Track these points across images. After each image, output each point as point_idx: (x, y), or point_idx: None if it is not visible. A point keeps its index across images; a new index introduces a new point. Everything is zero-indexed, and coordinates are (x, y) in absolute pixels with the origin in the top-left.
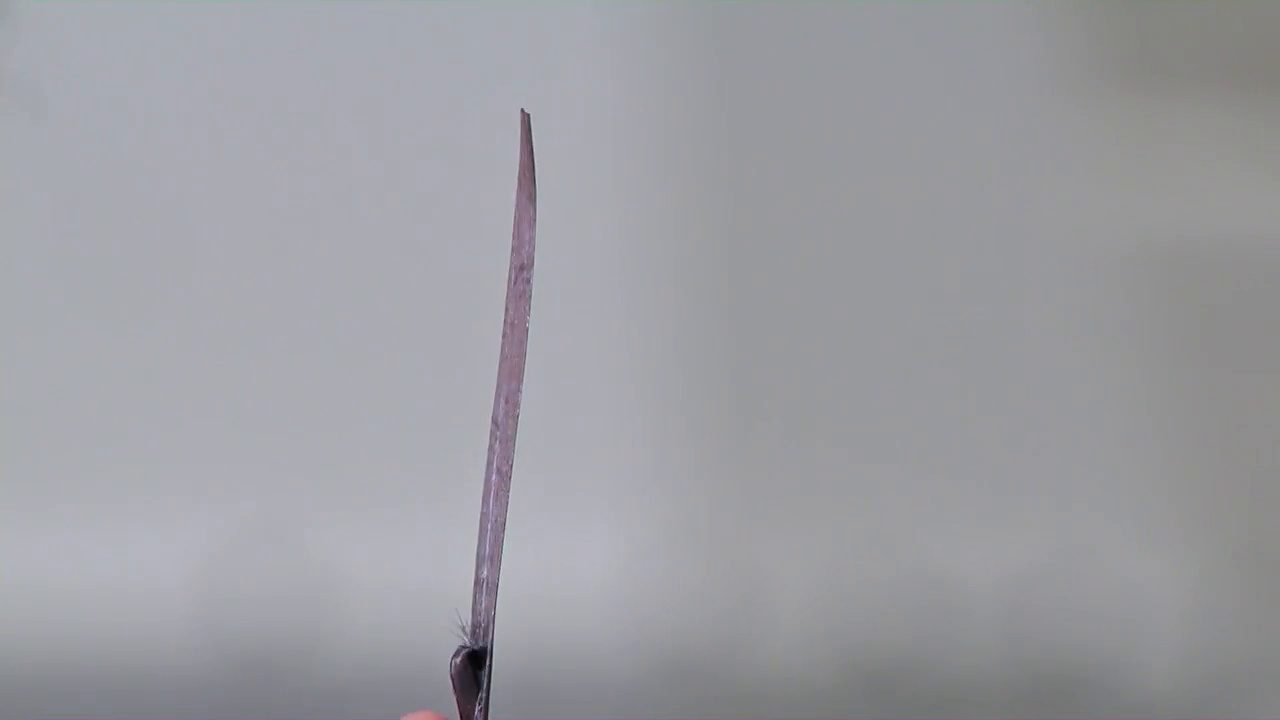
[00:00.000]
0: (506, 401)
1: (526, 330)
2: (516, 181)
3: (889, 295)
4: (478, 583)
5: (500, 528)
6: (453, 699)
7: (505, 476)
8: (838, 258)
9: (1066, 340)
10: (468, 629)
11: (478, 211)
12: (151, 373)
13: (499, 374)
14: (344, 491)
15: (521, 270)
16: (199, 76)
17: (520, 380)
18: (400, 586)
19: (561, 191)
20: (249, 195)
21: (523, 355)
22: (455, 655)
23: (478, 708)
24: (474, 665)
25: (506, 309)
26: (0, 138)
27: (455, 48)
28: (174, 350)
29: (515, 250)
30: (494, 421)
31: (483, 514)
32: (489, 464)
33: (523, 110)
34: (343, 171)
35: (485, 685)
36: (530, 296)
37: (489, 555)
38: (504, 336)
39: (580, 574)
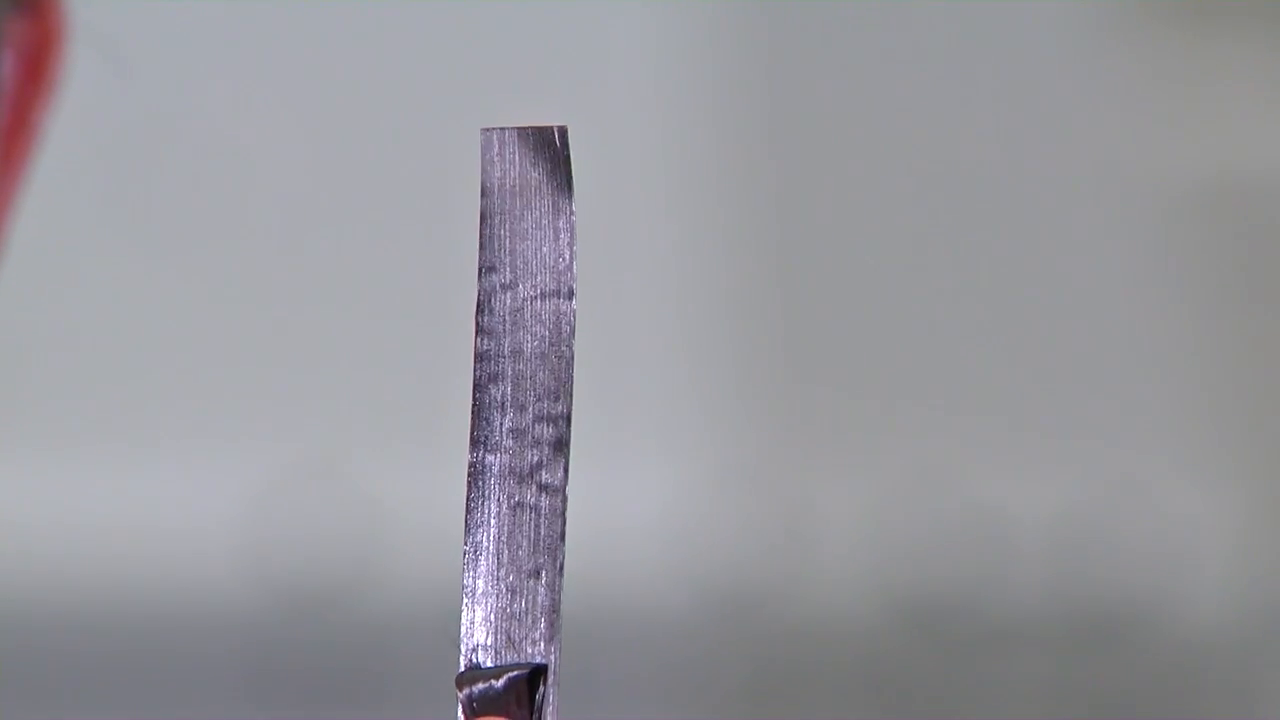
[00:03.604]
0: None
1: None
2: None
3: (937, 236)
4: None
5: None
6: None
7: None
8: (886, 200)
9: (1114, 278)
10: (474, 641)
11: None
12: (200, 311)
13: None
14: (392, 429)
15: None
16: (255, 24)
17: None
18: (449, 524)
19: (611, 133)
20: (303, 138)
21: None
22: (492, 676)
23: None
24: (528, 686)
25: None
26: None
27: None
28: (223, 289)
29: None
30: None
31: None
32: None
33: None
34: (399, 120)
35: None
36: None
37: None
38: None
39: (630, 511)
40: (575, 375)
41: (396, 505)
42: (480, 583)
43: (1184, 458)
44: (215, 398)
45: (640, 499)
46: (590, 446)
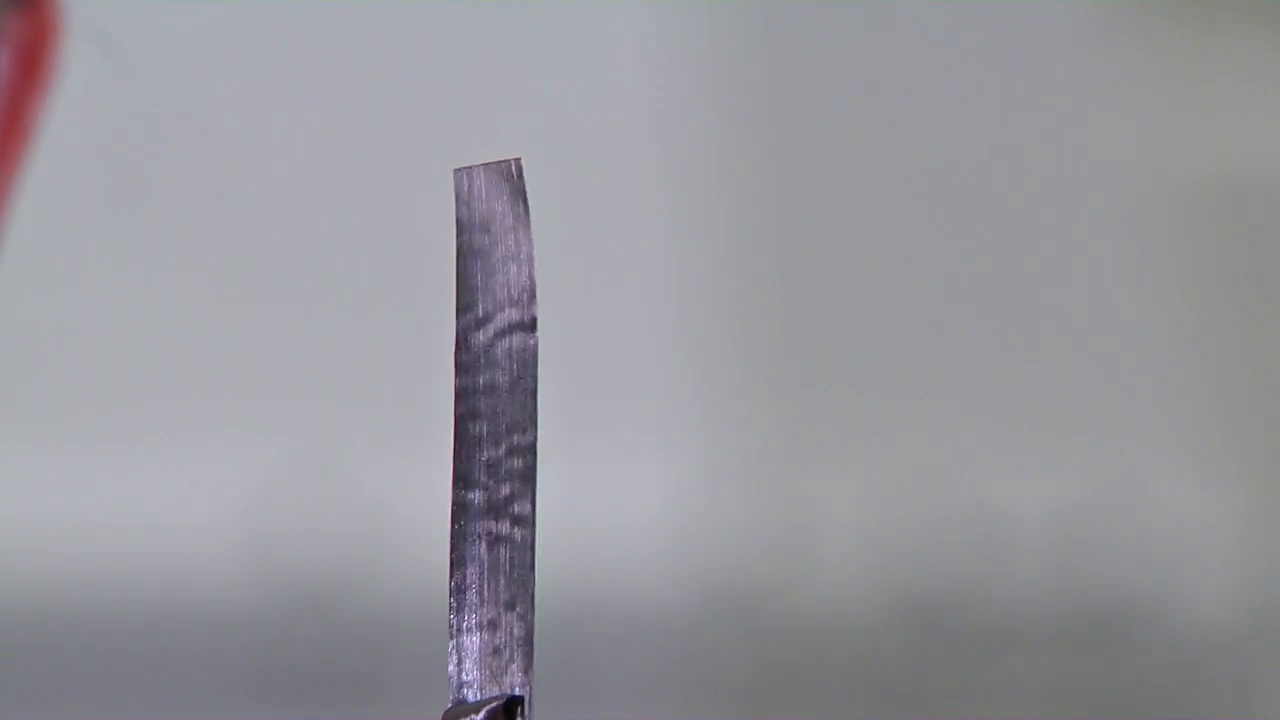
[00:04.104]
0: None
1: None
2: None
3: (938, 232)
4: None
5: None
6: None
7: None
8: (886, 197)
9: (1116, 276)
10: (465, 677)
11: (540, 154)
12: (199, 308)
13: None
14: (392, 427)
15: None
16: (256, 17)
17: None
18: (448, 523)
19: (609, 127)
20: (302, 133)
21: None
22: (473, 710)
23: None
24: (505, 717)
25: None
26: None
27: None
28: (222, 286)
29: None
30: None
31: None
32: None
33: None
34: (399, 115)
35: None
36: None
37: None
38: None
39: (629, 508)
40: (572, 378)
41: (396, 503)
42: (466, 620)
43: (1185, 455)
44: (214, 395)
45: (639, 496)
46: (589, 444)
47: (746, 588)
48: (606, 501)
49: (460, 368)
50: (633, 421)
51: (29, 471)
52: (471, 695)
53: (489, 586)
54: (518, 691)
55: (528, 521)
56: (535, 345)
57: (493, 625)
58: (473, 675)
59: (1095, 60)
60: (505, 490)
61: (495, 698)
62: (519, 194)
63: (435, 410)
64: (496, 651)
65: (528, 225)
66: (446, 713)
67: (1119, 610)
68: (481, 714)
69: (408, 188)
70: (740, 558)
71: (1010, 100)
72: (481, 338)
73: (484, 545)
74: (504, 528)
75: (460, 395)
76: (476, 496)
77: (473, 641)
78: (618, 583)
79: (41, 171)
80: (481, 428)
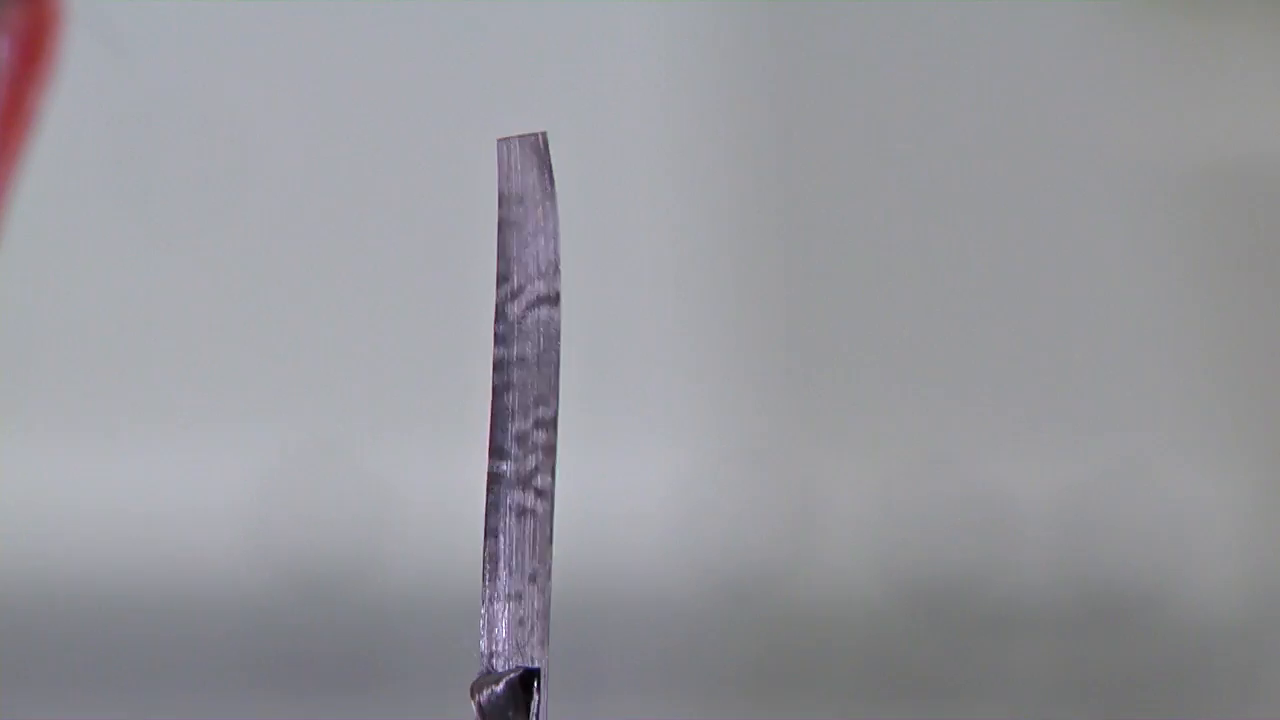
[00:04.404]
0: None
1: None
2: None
3: (944, 220)
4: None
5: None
6: None
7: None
8: (891, 184)
9: (1121, 262)
10: (496, 647)
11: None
12: (206, 294)
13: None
14: (400, 412)
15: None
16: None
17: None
18: (456, 508)
19: (615, 100)
20: (308, 118)
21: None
22: (494, 682)
23: None
24: (523, 689)
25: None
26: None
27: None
28: (229, 271)
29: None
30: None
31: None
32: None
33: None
34: (406, 101)
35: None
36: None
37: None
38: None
39: (635, 493)
40: (580, 362)
41: (404, 488)
42: (496, 590)
43: (1191, 441)
44: (222, 380)
45: (647, 482)
46: (595, 430)
47: (753, 573)
48: (613, 487)
49: (497, 339)
50: (640, 408)
51: (36, 458)
52: (500, 665)
53: (516, 558)
54: (535, 664)
55: (548, 495)
56: (559, 319)
57: (519, 597)
58: (501, 645)
59: (1100, 46)
60: (531, 463)
61: (515, 670)
62: (546, 167)
63: (444, 397)
64: (522, 623)
65: (554, 199)
66: (474, 683)
67: (1125, 595)
68: (501, 685)
69: (413, 172)
70: (747, 543)
71: (1016, 87)
72: (515, 309)
73: (513, 517)
74: (529, 500)
75: (497, 366)
76: (508, 468)
77: (502, 611)
78: (625, 568)
79: (46, 160)
80: (514, 399)
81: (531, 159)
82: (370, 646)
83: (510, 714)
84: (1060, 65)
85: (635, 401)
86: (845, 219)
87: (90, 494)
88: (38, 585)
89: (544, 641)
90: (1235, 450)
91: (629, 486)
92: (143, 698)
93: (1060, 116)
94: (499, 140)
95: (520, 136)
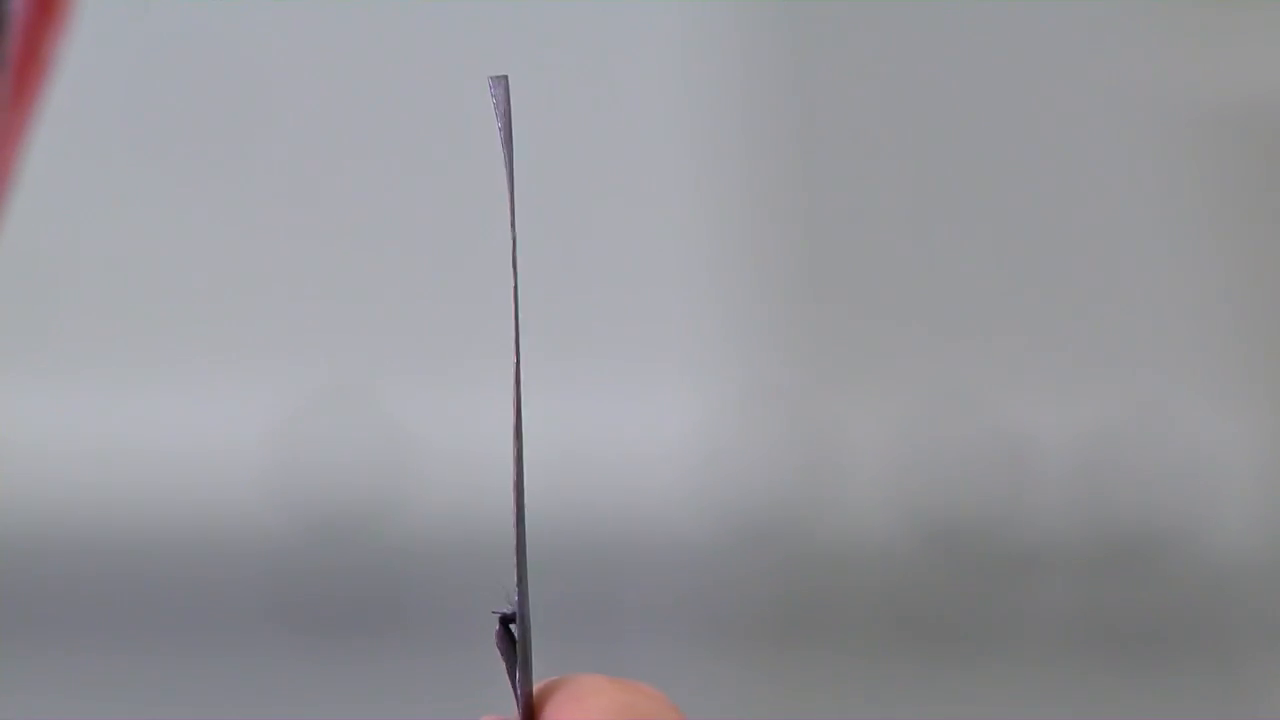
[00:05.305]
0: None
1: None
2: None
3: (964, 157)
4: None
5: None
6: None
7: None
8: (909, 121)
9: (1142, 200)
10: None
11: (569, 77)
12: (226, 235)
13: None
14: (420, 354)
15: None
16: None
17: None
18: (477, 451)
19: (632, 59)
20: (328, 59)
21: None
22: (497, 621)
23: (516, 687)
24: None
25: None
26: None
27: None
28: (248, 213)
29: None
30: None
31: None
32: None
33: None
34: (425, 43)
35: (518, 658)
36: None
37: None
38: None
39: (653, 435)
40: (596, 308)
41: (423, 430)
42: (519, 529)
43: (1212, 381)
44: (241, 323)
45: (665, 424)
46: (614, 371)
47: (772, 515)
48: (633, 428)
49: (514, 266)
50: (658, 350)
51: (58, 398)
52: (512, 605)
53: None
54: (509, 609)
55: (518, 433)
56: (513, 242)
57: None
58: (514, 585)
59: None
60: (515, 399)
61: (497, 611)
62: (508, 107)
63: (463, 339)
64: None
65: (508, 141)
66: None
67: (1146, 536)
68: (497, 625)
69: (434, 115)
70: (766, 485)
71: (1032, 23)
72: (512, 235)
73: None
74: (516, 441)
75: (515, 296)
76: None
77: (521, 549)
78: (643, 510)
79: (67, 103)
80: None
81: (504, 98)
82: (390, 589)
83: (504, 646)
84: (1086, 6)
85: (653, 344)
86: (866, 159)
87: (110, 436)
88: (58, 525)
89: (519, 580)
90: (1257, 391)
91: (648, 428)
92: (163, 640)
93: (1079, 55)
94: (490, 78)
95: (502, 76)
